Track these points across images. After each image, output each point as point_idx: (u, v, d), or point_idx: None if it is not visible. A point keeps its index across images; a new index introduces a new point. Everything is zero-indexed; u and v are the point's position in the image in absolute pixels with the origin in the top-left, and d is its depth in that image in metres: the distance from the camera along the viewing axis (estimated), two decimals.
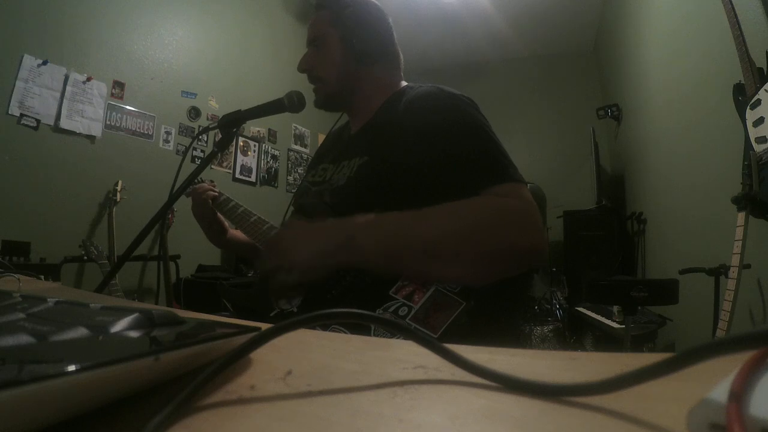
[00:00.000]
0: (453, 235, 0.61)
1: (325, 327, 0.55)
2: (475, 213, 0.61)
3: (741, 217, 1.24)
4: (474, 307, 0.60)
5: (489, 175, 0.65)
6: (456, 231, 0.61)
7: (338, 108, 0.92)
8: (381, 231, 0.62)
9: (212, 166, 2.99)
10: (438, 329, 0.57)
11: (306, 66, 0.88)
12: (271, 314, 0.67)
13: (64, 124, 2.17)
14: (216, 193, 1.00)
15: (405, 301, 0.60)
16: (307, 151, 3.94)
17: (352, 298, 0.63)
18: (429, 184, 0.68)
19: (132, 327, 0.22)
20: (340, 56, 0.85)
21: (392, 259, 0.62)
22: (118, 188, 2.26)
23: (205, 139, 2.95)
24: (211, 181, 1.08)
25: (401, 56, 0.92)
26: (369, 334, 0.52)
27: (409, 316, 0.59)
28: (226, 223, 1.02)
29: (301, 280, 0.64)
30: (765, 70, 1.24)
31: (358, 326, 0.52)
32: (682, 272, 1.62)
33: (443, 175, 0.67)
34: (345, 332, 0.54)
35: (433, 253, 0.61)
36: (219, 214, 1.00)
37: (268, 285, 0.67)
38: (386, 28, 0.89)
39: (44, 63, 2.07)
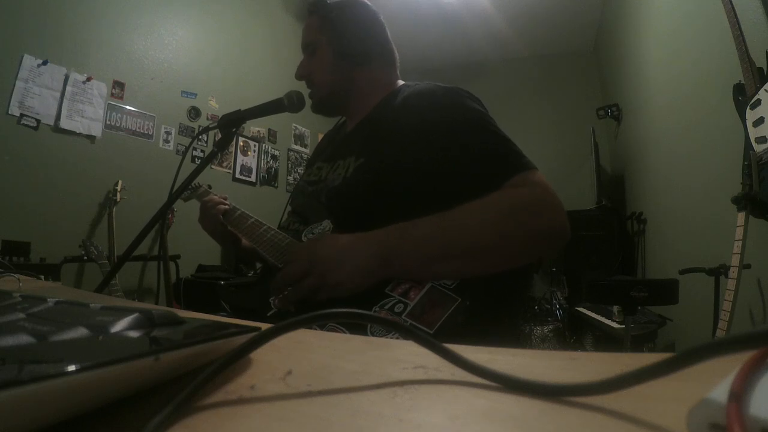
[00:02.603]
0: (488, 234, 0.62)
1: (322, 326, 0.55)
2: (505, 208, 0.63)
3: (741, 217, 1.24)
4: (471, 307, 0.60)
5: (506, 169, 0.67)
6: (491, 229, 0.62)
7: (334, 111, 0.92)
8: (418, 242, 0.63)
9: (212, 166, 2.99)
10: (434, 325, 0.57)
11: (302, 73, 0.89)
12: (269, 314, 0.67)
13: (64, 124, 2.17)
14: (227, 207, 0.95)
15: (401, 298, 0.61)
16: (307, 151, 3.94)
17: (348, 297, 0.63)
18: (435, 183, 0.69)
19: (132, 327, 0.22)
20: (331, 60, 0.85)
21: (431, 265, 0.62)
22: (118, 188, 2.26)
23: (205, 139, 2.94)
24: (224, 198, 1.00)
25: (396, 54, 0.92)
26: (365, 333, 0.52)
27: (405, 313, 0.59)
28: (239, 234, 0.97)
29: (341, 296, 0.62)
30: (765, 70, 1.24)
31: (356, 324, 0.52)
32: (682, 272, 1.62)
33: (457, 174, 0.68)
34: (341, 330, 0.54)
35: (470, 253, 0.62)
36: (229, 227, 0.95)
37: (296, 298, 0.65)
38: (378, 27, 0.89)
39: (44, 63, 2.07)
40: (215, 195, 1.00)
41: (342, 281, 0.62)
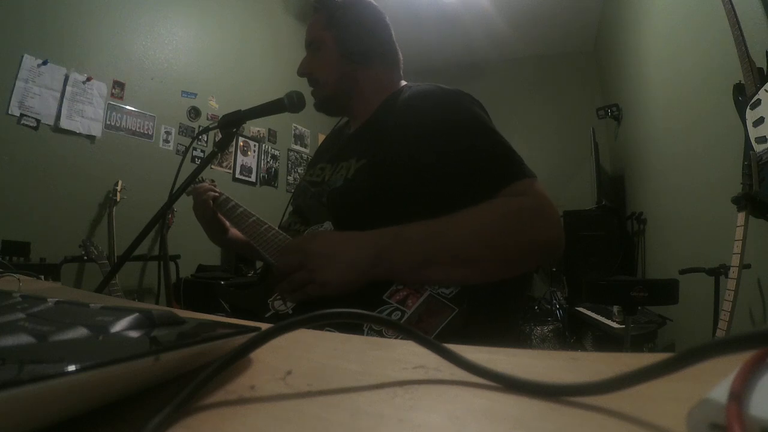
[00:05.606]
0: (478, 242, 0.62)
1: (320, 327, 0.55)
2: (498, 217, 0.62)
3: (741, 217, 1.24)
4: (469, 311, 0.60)
5: (503, 175, 0.66)
6: (481, 237, 0.62)
7: (337, 111, 0.92)
8: (409, 244, 0.63)
9: (212, 166, 2.99)
10: (430, 334, 0.57)
11: (304, 70, 0.88)
12: (266, 315, 0.67)
13: (64, 124, 2.17)
14: (217, 194, 0.98)
15: (398, 306, 0.60)
16: (307, 151, 3.94)
17: (345, 301, 0.62)
18: (434, 186, 0.68)
19: (132, 327, 0.22)
20: (336, 58, 0.85)
21: (420, 269, 0.62)
22: (118, 188, 2.26)
23: (205, 139, 2.95)
24: (212, 181, 1.07)
25: (400, 55, 0.92)
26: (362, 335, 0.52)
27: (402, 321, 0.58)
28: (227, 223, 1.00)
29: (329, 295, 0.62)
30: (765, 70, 1.24)
31: (351, 328, 0.52)
32: (682, 272, 1.62)
33: (455, 177, 0.67)
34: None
35: (460, 261, 0.62)
36: (219, 214, 0.98)
37: (288, 295, 0.66)
38: (383, 27, 0.88)
39: (44, 63, 2.07)
40: (205, 182, 1.02)
41: (330, 280, 0.62)
